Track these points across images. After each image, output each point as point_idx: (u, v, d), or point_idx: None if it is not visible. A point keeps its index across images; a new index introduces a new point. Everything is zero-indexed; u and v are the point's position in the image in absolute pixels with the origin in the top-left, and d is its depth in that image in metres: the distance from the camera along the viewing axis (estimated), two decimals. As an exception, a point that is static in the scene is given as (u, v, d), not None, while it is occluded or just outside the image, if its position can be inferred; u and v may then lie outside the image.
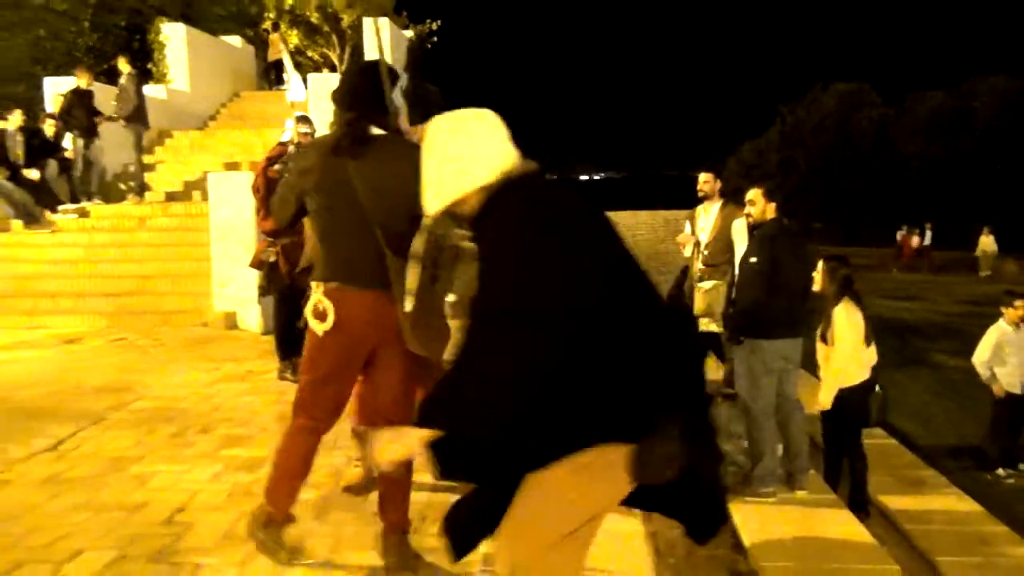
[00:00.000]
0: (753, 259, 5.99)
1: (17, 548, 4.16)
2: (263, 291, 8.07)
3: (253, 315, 10.11)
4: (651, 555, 3.87)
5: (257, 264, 7.80)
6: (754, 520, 5.53)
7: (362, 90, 3.60)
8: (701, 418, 2.32)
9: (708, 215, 7.90)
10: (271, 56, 17.12)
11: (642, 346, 2.18)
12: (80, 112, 13.26)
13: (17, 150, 12.85)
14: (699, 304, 7.78)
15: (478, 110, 2.40)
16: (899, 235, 33.97)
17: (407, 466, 3.55)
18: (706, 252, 7.81)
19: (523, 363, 2.08)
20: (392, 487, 3.66)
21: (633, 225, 22.00)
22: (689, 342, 2.39)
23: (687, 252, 8.10)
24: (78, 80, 13.63)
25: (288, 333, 7.82)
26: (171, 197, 13.88)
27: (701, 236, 7.91)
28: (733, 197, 7.82)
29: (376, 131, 3.50)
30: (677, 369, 2.25)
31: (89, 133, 13.34)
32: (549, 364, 2.09)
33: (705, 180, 7.92)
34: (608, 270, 2.22)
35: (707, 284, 7.75)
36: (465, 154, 2.30)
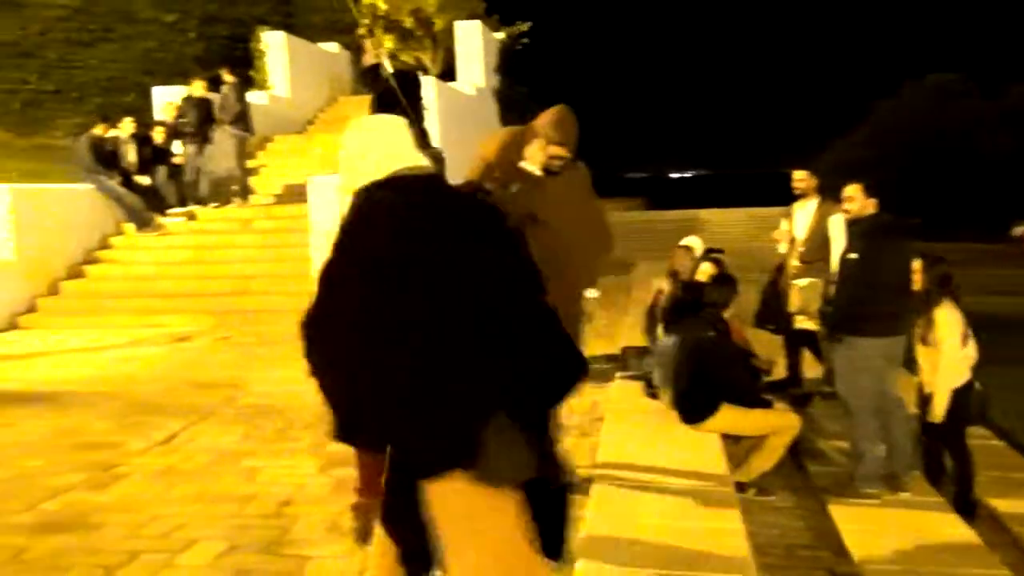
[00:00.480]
0: (852, 255, 5.85)
1: (136, 537, 4.33)
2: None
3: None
4: (750, 553, 3.82)
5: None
6: (856, 522, 5.40)
7: None
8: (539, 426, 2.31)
9: (804, 212, 7.76)
10: (366, 61, 17.43)
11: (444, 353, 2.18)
12: (193, 119, 13.68)
13: (129, 157, 13.34)
14: (795, 301, 7.64)
15: (389, 118, 2.68)
16: (1020, 230, 32.53)
17: None
18: (802, 249, 7.67)
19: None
20: None
21: (724, 223, 21.66)
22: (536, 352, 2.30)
23: (782, 248, 7.95)
24: (191, 89, 14.07)
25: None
26: (273, 200, 14.23)
27: (797, 233, 7.76)
28: (829, 194, 7.63)
29: None
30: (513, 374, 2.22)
31: (201, 140, 13.74)
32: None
33: (800, 178, 7.79)
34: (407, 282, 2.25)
35: (803, 281, 7.59)
36: (355, 155, 2.56)
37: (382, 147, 2.54)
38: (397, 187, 2.44)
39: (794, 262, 7.74)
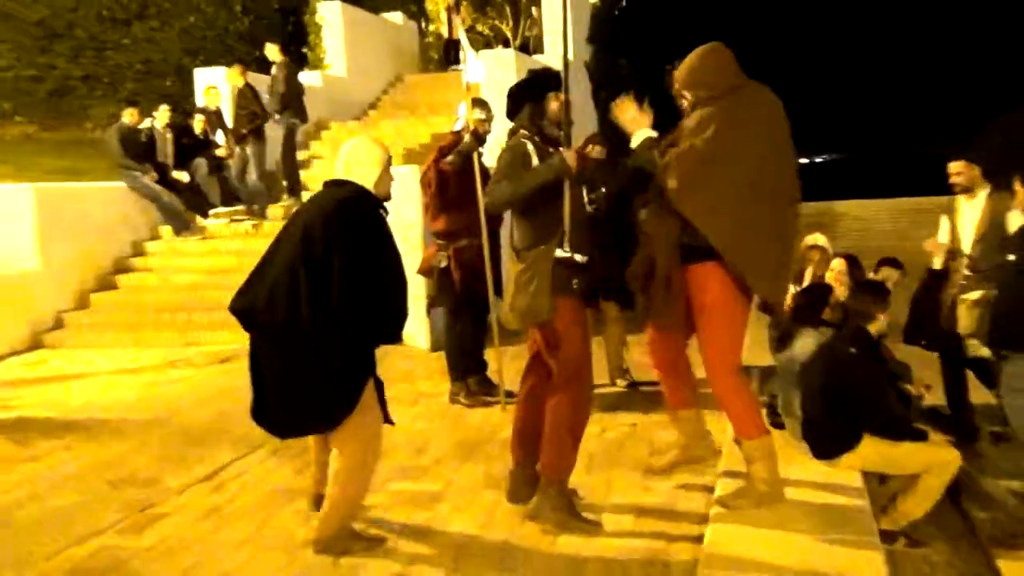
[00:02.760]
0: (1012, 256, 5.73)
1: (179, 586, 4.48)
2: (432, 302, 8.27)
3: (421, 330, 10.39)
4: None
5: (426, 271, 8.03)
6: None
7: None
8: None
9: (971, 209, 7.40)
10: (453, 35, 17.70)
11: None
12: (243, 111, 13.97)
13: (167, 149, 13.69)
14: (965, 322, 7.23)
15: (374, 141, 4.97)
16: None
17: None
18: (972, 254, 7.28)
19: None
20: None
21: (867, 217, 21.10)
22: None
23: (937, 263, 7.58)
24: (229, 79, 14.33)
25: (463, 350, 8.03)
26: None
27: (964, 236, 7.39)
28: (1001, 183, 7.30)
29: None
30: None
31: (249, 134, 13.99)
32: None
33: (957, 171, 7.46)
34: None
35: (975, 294, 7.13)
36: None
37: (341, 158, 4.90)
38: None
39: (964, 271, 7.34)
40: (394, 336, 4.76)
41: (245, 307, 4.76)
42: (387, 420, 4.95)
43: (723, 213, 4.83)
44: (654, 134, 5.11)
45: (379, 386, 4.89)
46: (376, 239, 4.62)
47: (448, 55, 20.88)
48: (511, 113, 5.41)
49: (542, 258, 4.97)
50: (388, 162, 4.91)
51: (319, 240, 4.49)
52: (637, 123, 5.16)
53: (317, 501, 5.11)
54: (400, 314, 4.69)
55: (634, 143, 5.15)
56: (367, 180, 4.79)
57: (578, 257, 5.05)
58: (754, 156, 4.86)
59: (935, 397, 7.34)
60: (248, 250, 13.11)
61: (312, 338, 4.48)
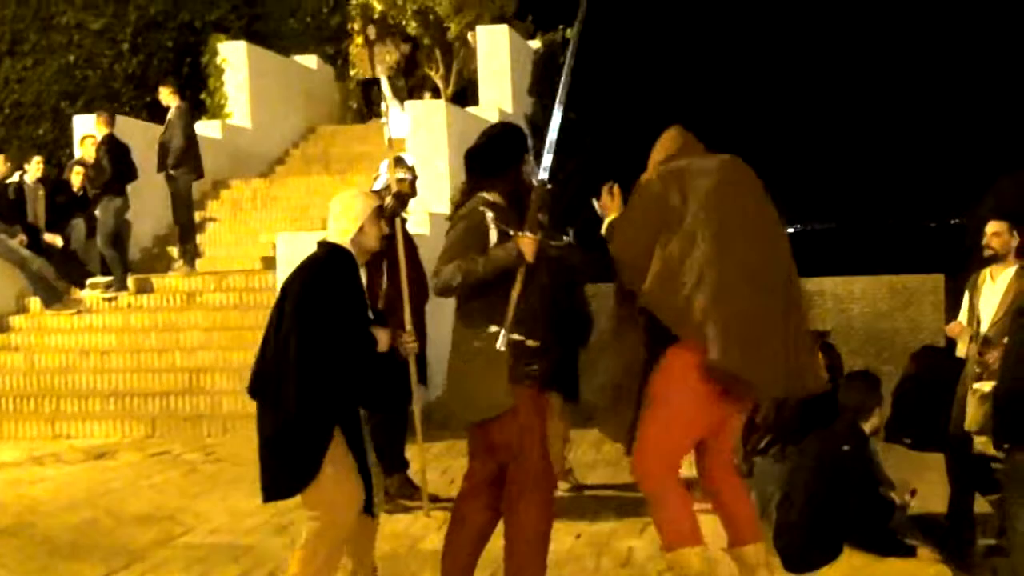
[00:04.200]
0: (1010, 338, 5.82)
1: None
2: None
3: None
4: None
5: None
6: None
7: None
8: None
9: (997, 283, 7.18)
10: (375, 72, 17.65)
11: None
12: (109, 165, 13.32)
13: (38, 208, 13.45)
14: (974, 414, 7.03)
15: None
16: None
17: None
18: (990, 335, 7.02)
19: None
20: None
21: (846, 296, 21.33)
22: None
23: (961, 350, 7.37)
24: (97, 128, 13.77)
25: (379, 447, 7.84)
26: (228, 267, 14.31)
27: (984, 314, 7.19)
28: None
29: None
30: None
31: (118, 193, 13.46)
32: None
33: (995, 231, 7.19)
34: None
35: (987, 385, 6.85)
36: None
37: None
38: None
39: (977, 356, 7.10)
40: (366, 402, 5.17)
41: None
42: (367, 510, 5.12)
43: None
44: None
45: (364, 470, 5.12)
46: (332, 300, 4.95)
47: (368, 97, 20.86)
48: (482, 170, 5.27)
49: (495, 341, 4.89)
50: (372, 213, 5.18)
51: (279, 304, 5.01)
52: (607, 209, 5.30)
53: None
54: (363, 378, 5.00)
55: (604, 229, 5.28)
56: (345, 235, 5.10)
57: (530, 342, 5.01)
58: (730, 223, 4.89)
59: (923, 504, 7.34)
60: (131, 327, 12.94)
61: (270, 401, 4.93)
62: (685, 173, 4.98)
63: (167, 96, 14.31)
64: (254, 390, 5.07)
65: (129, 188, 13.62)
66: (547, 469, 5.08)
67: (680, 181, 4.94)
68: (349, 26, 20.21)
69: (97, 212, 13.44)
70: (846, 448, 5.76)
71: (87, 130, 14.95)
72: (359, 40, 18.58)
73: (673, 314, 4.81)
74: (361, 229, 5.11)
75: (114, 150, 13.42)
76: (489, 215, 5.03)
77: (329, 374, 4.86)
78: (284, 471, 4.94)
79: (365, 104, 21.20)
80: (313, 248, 5.22)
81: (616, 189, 5.34)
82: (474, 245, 4.98)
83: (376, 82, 19.22)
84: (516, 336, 4.93)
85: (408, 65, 19.19)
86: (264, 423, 5.00)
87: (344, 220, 5.12)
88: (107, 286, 13.39)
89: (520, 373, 4.96)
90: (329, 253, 5.10)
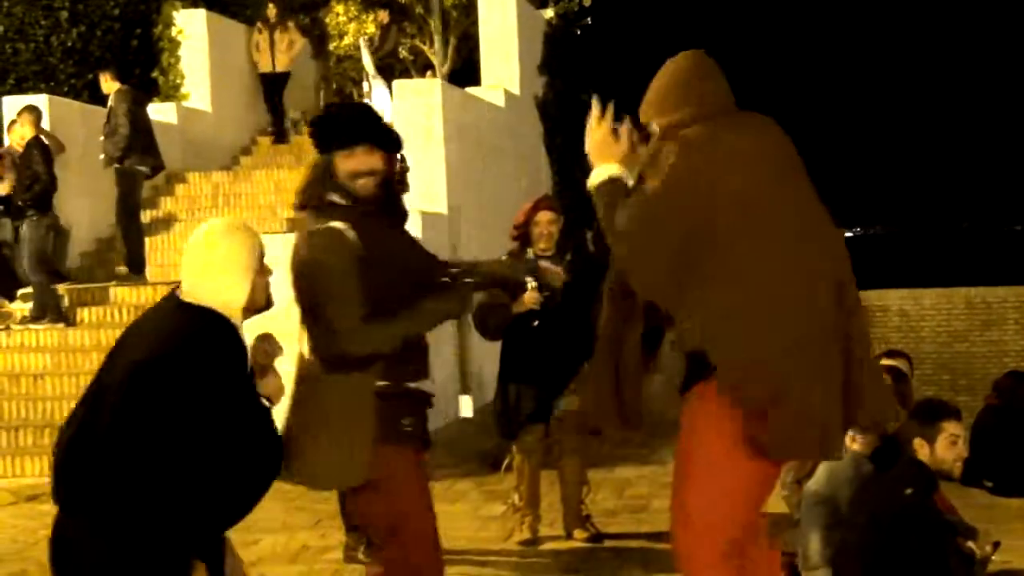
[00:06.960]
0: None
1: None
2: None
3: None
4: None
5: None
6: None
7: None
8: None
9: None
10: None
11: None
12: (25, 172, 13.18)
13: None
14: None
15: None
16: None
17: None
18: None
19: None
20: None
21: (915, 312, 21.29)
22: None
23: None
24: (22, 127, 13.65)
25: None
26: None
27: None
28: None
29: None
30: None
31: (47, 206, 13.29)
32: None
33: None
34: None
35: None
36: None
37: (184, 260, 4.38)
38: None
39: None
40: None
41: None
42: None
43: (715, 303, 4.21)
44: (620, 172, 4.41)
45: None
46: (213, 401, 4.01)
47: (269, 95, 19.93)
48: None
49: (360, 390, 4.56)
50: (259, 261, 4.33)
51: (124, 382, 4.04)
52: (602, 153, 4.47)
53: None
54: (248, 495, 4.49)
55: (590, 183, 4.47)
56: (221, 295, 4.17)
57: (411, 385, 4.72)
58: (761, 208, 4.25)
59: (1006, 558, 7.33)
60: (68, 346, 12.92)
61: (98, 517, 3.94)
62: (719, 154, 4.23)
63: (107, 84, 14.31)
64: (70, 497, 4.01)
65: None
66: (395, 528, 4.65)
67: (712, 166, 4.20)
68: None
69: (24, 229, 13.29)
70: (908, 492, 5.73)
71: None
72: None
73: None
74: (248, 287, 4.24)
75: (47, 155, 13.38)
76: (348, 235, 4.85)
77: (200, 491, 4.00)
78: None
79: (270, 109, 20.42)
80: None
81: (626, 128, 4.52)
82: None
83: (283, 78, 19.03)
84: (401, 382, 4.65)
85: (384, 38, 18.97)
86: (81, 550, 3.96)
87: (226, 276, 4.18)
88: (35, 317, 13.29)
89: (391, 430, 4.55)
90: (204, 326, 4.12)
